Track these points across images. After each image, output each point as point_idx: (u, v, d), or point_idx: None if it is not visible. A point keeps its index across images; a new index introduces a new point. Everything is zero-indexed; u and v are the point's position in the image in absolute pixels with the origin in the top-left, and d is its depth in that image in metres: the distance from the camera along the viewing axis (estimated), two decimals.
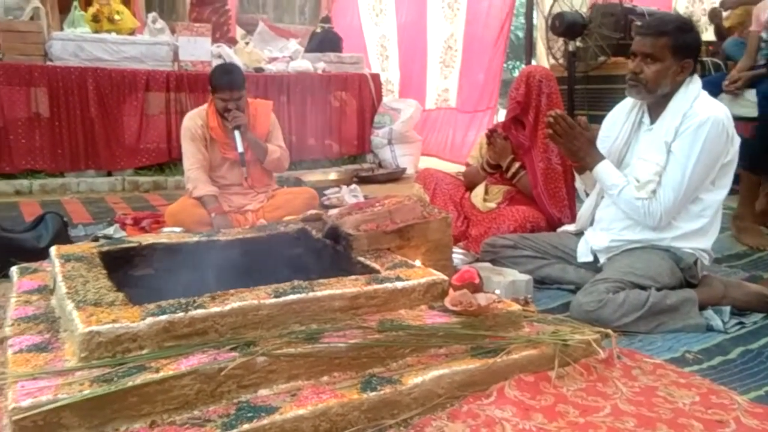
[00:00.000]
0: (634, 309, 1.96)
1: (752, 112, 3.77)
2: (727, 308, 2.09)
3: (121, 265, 2.00)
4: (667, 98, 2.15)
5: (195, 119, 3.21)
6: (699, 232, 2.16)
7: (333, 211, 2.43)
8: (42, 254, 2.32)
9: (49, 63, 4.76)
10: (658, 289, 2.03)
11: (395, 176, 5.66)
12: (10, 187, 4.54)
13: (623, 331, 1.91)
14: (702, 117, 2.05)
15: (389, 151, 6.03)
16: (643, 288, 2.03)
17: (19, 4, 4.85)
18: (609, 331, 1.76)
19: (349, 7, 7.54)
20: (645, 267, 2.09)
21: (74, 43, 4.83)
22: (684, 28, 2.11)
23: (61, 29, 5.16)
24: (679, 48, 2.08)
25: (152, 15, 5.47)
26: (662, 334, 1.96)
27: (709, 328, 2.01)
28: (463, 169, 4.19)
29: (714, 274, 2.34)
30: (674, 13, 4.96)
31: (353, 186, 4.39)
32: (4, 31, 4.66)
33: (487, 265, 2.46)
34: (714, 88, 3.78)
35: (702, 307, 2.07)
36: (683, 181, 2.07)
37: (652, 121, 2.21)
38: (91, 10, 5.18)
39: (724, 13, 5.19)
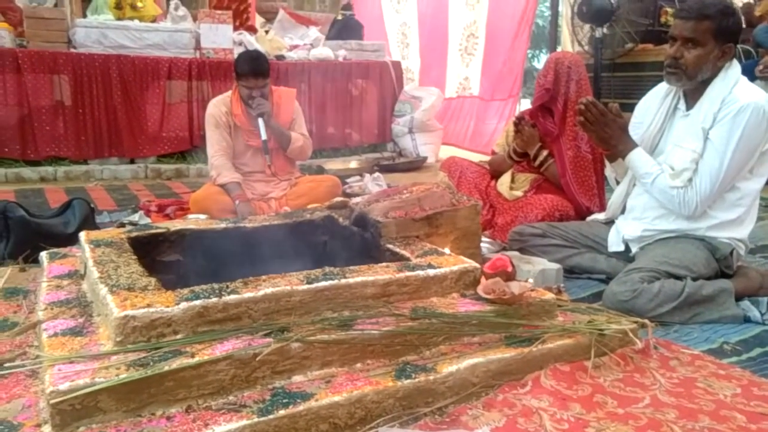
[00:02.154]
0: (670, 299, 1.92)
1: None
2: (765, 299, 2.04)
3: (149, 251, 2.00)
4: (705, 84, 2.09)
5: (219, 106, 3.20)
6: (735, 221, 2.11)
7: (358, 199, 2.41)
8: (70, 239, 2.34)
9: (72, 50, 4.78)
10: (694, 279, 1.99)
11: (416, 165, 5.62)
12: (35, 174, 4.58)
13: (659, 321, 1.87)
14: (742, 103, 1.99)
15: (410, 139, 5.99)
16: (678, 278, 1.99)
17: None
18: (646, 321, 1.73)
19: None
20: (680, 256, 2.04)
21: (98, 30, 4.85)
22: (727, 11, 2.04)
23: (84, 16, 5.17)
24: (722, 32, 2.01)
25: (174, 2, 5.47)
26: (699, 325, 1.91)
27: (746, 320, 1.96)
28: (484, 158, 4.14)
29: (749, 264, 2.28)
30: None
31: (377, 174, 4.37)
32: (29, 17, 4.69)
33: (516, 253, 2.42)
34: (747, 75, 3.69)
35: (738, 298, 2.03)
36: (721, 169, 2.01)
37: (689, 107, 2.15)
38: None
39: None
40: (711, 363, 1.64)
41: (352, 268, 1.63)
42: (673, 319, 1.92)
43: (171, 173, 4.95)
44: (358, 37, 6.36)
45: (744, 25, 4.66)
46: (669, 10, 4.37)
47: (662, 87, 2.25)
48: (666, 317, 1.91)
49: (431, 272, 1.67)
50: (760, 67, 3.87)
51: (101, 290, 1.46)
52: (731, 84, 2.05)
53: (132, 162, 4.97)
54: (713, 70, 2.05)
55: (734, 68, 2.09)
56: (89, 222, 2.67)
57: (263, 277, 1.53)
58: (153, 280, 1.53)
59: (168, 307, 1.35)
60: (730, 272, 2.12)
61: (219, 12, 5.43)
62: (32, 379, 1.37)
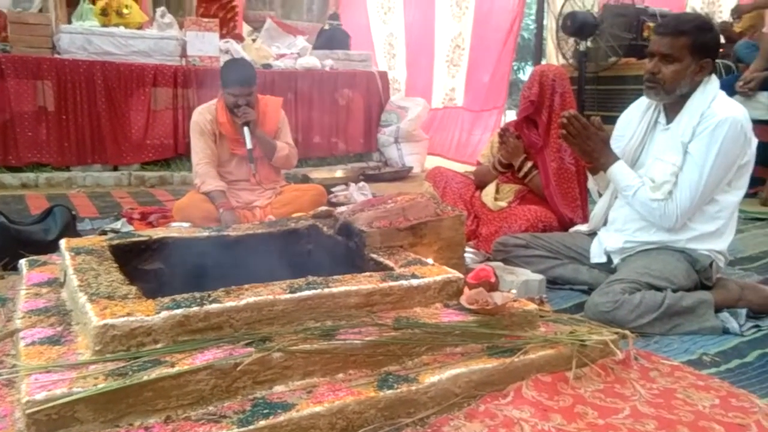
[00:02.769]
0: (651, 310, 1.94)
1: (765, 114, 3.76)
2: (743, 311, 2.06)
3: (130, 259, 1.99)
4: (684, 98, 2.12)
5: (204, 114, 3.19)
6: (715, 233, 2.13)
7: (343, 208, 2.41)
8: (50, 247, 2.31)
9: (56, 56, 4.74)
10: (674, 291, 2.01)
11: (401, 175, 5.63)
12: (17, 180, 4.52)
13: (639, 332, 1.89)
14: (720, 117, 2.03)
15: (396, 149, 6.00)
16: (658, 289, 2.01)
17: None
18: (626, 332, 1.74)
19: (358, 5, 7.52)
20: (661, 268, 2.06)
21: (82, 36, 4.82)
22: (704, 27, 2.08)
23: (69, 22, 5.14)
24: (699, 47, 2.05)
25: (161, 9, 5.46)
26: (678, 336, 1.93)
27: (725, 331, 1.99)
28: (469, 168, 4.17)
29: (729, 276, 2.32)
30: (692, 12, 4.92)
31: (362, 183, 4.37)
32: (13, 23, 4.65)
33: (499, 264, 2.43)
34: (727, 90, 3.75)
35: (717, 310, 2.05)
36: (700, 182, 2.04)
37: (669, 120, 2.19)
38: (100, 3, 5.16)
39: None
40: (690, 374, 1.65)
41: (335, 277, 1.63)
42: (653, 330, 1.94)
43: (155, 181, 4.91)
44: (344, 46, 6.39)
45: (723, 41, 4.76)
46: (651, 24, 4.44)
47: (643, 101, 2.29)
48: (647, 328, 1.93)
49: (414, 282, 1.67)
50: (740, 82, 3.94)
51: (80, 298, 1.45)
52: (710, 98, 2.09)
53: (115, 169, 4.93)
54: (691, 85, 2.09)
55: (713, 83, 2.12)
56: (70, 229, 2.64)
57: (245, 286, 1.52)
58: (133, 288, 1.51)
59: (148, 316, 1.34)
60: (709, 284, 2.15)
61: (206, 20, 5.43)
62: (8, 388, 1.34)
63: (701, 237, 2.13)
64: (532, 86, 2.81)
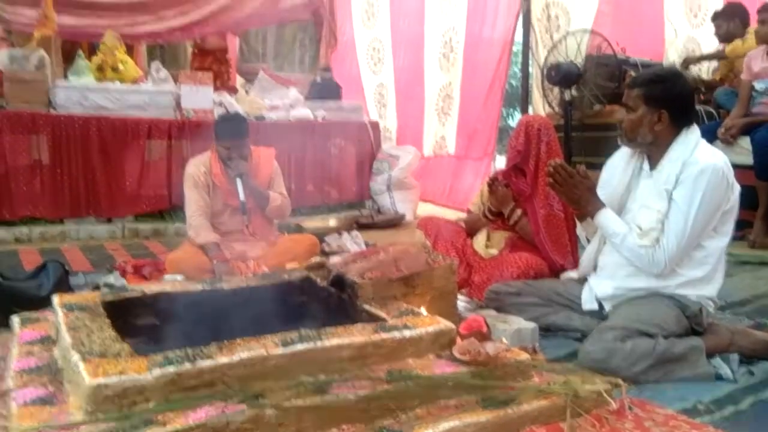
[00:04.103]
0: (643, 358, 1.94)
1: (747, 159, 3.84)
2: (736, 356, 2.07)
3: (124, 314, 1.99)
4: (664, 146, 2.18)
5: (198, 166, 3.24)
6: (703, 279, 2.16)
7: (337, 259, 2.43)
8: (44, 303, 2.30)
9: (52, 111, 4.82)
10: (665, 337, 2.02)
11: (394, 222, 5.67)
12: (10, 235, 4.52)
13: (633, 380, 1.89)
14: (702, 165, 2.08)
15: (388, 197, 6.06)
16: (650, 336, 2.02)
17: (24, 53, 4.94)
18: (619, 380, 1.74)
19: (348, 57, 7.70)
20: (651, 315, 2.08)
21: (78, 92, 4.90)
22: (655, 80, 2.18)
23: (66, 78, 5.24)
24: (651, 98, 2.15)
25: (155, 64, 5.58)
26: (672, 384, 1.93)
27: (718, 377, 1.99)
28: (461, 214, 4.21)
29: (719, 321, 2.33)
30: (666, 65, 5.10)
31: (354, 232, 4.40)
32: (9, 80, 4.73)
33: (492, 312, 2.44)
34: (709, 136, 3.85)
35: (710, 355, 2.06)
36: (686, 229, 2.08)
37: (652, 167, 2.25)
38: (96, 59, 5.28)
39: (708, 64, 5.35)
40: (685, 422, 1.65)
41: (328, 330, 1.64)
42: (647, 378, 1.94)
43: (148, 232, 4.92)
44: (336, 97, 6.51)
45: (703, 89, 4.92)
46: (633, 73, 4.58)
47: (627, 149, 2.35)
48: (640, 376, 1.93)
49: (407, 333, 1.68)
50: (722, 129, 4.05)
51: (73, 357, 1.45)
52: (691, 146, 2.15)
53: (109, 221, 4.94)
54: (654, 134, 2.17)
55: (694, 132, 2.19)
56: (63, 284, 2.64)
57: (238, 340, 1.52)
58: (126, 346, 1.52)
59: (141, 374, 1.34)
60: (700, 329, 2.16)
61: (200, 74, 5.54)
62: None
63: (690, 282, 2.16)
64: (519, 136, 2.88)
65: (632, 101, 2.18)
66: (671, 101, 2.16)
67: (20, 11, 5.70)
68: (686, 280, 2.15)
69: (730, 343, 2.13)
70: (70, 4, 5.85)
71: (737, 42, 4.63)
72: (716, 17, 4.74)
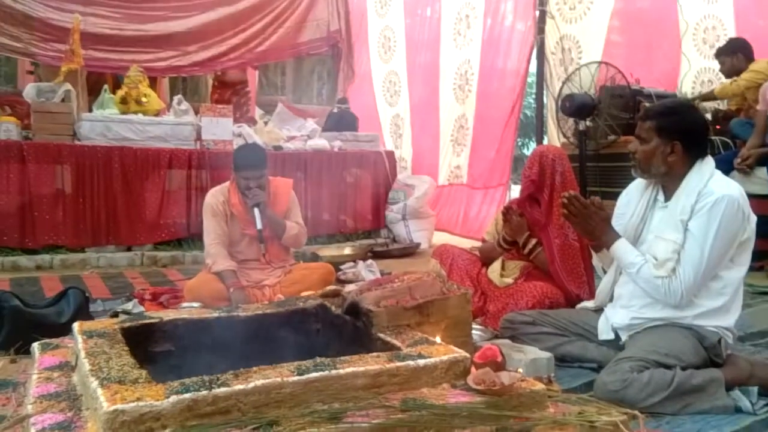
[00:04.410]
0: (660, 389, 1.92)
1: (764, 189, 3.82)
2: (755, 389, 2.04)
3: (142, 341, 2.02)
4: (679, 177, 2.19)
5: (217, 196, 3.31)
6: (721, 309, 2.14)
7: (352, 287, 2.45)
8: (63, 330, 2.34)
9: (77, 142, 4.95)
10: (683, 368, 2.00)
11: (410, 251, 5.68)
12: (32, 262, 4.61)
13: (650, 412, 1.87)
14: (717, 195, 2.08)
15: (403, 226, 6.09)
16: (667, 367, 2.00)
17: (51, 87, 5.11)
18: (636, 412, 1.72)
19: (365, 89, 7.84)
20: (669, 345, 2.06)
21: (102, 124, 5.03)
22: (667, 112, 2.21)
23: (90, 110, 5.39)
24: (663, 130, 2.17)
25: (177, 97, 5.72)
26: (690, 416, 1.91)
27: (737, 410, 1.96)
28: (476, 243, 4.21)
29: (739, 352, 2.30)
30: (678, 97, 5.09)
31: (369, 261, 4.42)
32: (36, 112, 4.89)
33: (507, 342, 2.43)
34: (725, 166, 3.86)
35: (728, 388, 2.03)
36: (702, 259, 2.07)
37: (667, 198, 2.25)
38: (120, 93, 5.43)
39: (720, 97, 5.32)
40: None
41: (342, 358, 1.65)
42: (664, 410, 1.91)
43: (167, 260, 4.98)
44: (353, 128, 6.61)
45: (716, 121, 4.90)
46: (647, 104, 4.60)
47: (643, 180, 2.36)
48: (657, 408, 1.91)
49: (421, 362, 1.68)
50: (738, 159, 4.04)
51: (92, 383, 1.47)
52: (706, 177, 2.16)
53: (129, 249, 5.02)
54: (668, 166, 2.18)
55: (708, 163, 2.20)
56: (83, 311, 2.68)
57: (254, 368, 1.54)
58: (144, 372, 1.54)
59: (158, 401, 1.36)
60: (719, 361, 2.14)
61: (220, 106, 5.68)
62: None
63: (708, 313, 2.14)
64: (533, 166, 2.90)
65: (645, 133, 2.20)
66: (684, 132, 2.17)
67: (48, 46, 5.92)
68: (704, 311, 2.13)
69: (750, 376, 2.09)
70: (96, 39, 6.06)
71: (725, 83, 4.64)
72: (719, 54, 4.71)
